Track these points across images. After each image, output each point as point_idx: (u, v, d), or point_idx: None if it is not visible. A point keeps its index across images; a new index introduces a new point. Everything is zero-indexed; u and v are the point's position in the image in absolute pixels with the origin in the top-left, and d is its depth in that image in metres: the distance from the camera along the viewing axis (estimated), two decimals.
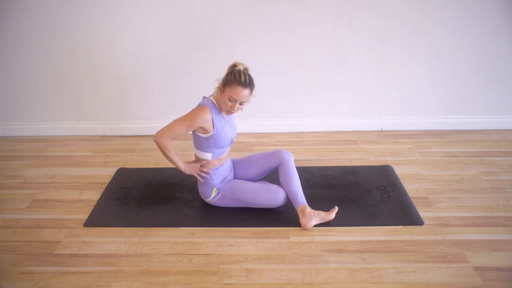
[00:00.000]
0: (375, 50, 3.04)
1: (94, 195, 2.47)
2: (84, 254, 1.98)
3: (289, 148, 2.98)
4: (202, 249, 2.00)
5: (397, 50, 3.03)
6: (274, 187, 2.21)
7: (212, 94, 2.19)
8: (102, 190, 2.51)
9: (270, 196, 2.18)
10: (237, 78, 2.00)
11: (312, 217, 2.11)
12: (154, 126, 3.26)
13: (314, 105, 3.24)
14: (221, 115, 2.14)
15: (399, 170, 2.64)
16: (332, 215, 2.15)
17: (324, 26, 2.97)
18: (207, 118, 2.05)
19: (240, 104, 2.06)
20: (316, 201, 2.33)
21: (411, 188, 2.44)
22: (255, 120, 3.25)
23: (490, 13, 2.89)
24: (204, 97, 2.20)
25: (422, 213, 2.21)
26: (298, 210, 2.14)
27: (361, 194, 2.40)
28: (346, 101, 3.23)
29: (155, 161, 2.87)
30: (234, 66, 2.05)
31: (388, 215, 2.20)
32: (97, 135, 3.33)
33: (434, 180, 2.53)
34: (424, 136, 3.14)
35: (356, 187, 2.47)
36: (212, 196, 2.24)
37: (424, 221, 2.14)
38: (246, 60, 3.04)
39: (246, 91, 2.02)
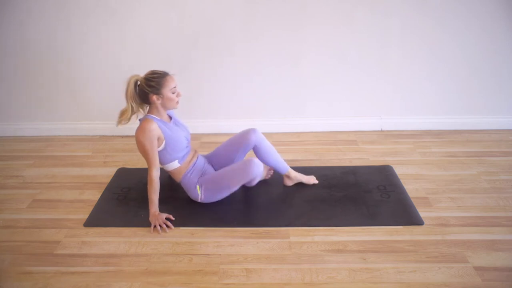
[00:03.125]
0: (375, 50, 3.04)
1: (94, 195, 2.47)
2: (84, 254, 1.98)
3: (289, 148, 2.99)
4: (202, 249, 2.00)
5: (397, 50, 3.03)
6: (247, 161, 2.20)
7: (144, 117, 2.18)
8: (102, 190, 2.51)
9: (248, 168, 2.18)
10: (159, 75, 2.11)
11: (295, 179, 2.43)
12: None
13: (314, 105, 3.24)
14: (164, 122, 2.18)
15: (399, 170, 2.64)
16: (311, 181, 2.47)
17: (324, 26, 2.97)
18: (154, 126, 2.10)
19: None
20: (316, 201, 2.33)
21: (411, 188, 2.44)
22: (255, 120, 3.25)
23: (490, 13, 2.89)
24: (140, 120, 2.20)
25: (422, 213, 2.21)
26: (285, 176, 2.43)
27: (361, 194, 2.40)
28: (346, 101, 3.23)
29: None
30: (137, 79, 2.13)
31: (388, 215, 2.20)
32: (97, 135, 3.33)
33: (434, 180, 2.53)
34: (424, 136, 3.14)
35: (356, 187, 2.47)
36: (199, 193, 2.25)
37: (424, 221, 2.14)
38: (246, 60, 3.08)
39: (174, 77, 2.14)
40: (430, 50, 3.03)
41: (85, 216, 2.27)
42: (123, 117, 2.16)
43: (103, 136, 3.32)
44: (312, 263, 1.89)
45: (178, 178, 2.29)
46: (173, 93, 2.13)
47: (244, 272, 1.85)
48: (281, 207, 2.30)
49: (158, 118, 2.17)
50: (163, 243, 2.04)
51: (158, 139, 2.13)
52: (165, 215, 2.17)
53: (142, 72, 3.10)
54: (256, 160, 2.19)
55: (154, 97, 2.11)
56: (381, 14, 2.93)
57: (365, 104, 3.24)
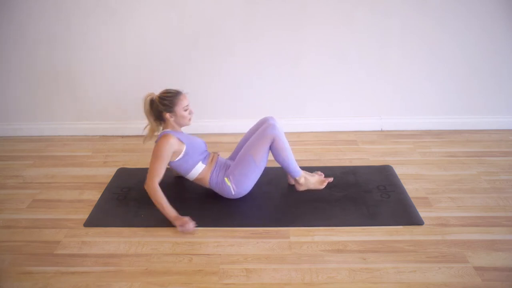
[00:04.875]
0: (375, 50, 3.04)
1: (94, 195, 2.47)
2: (84, 254, 1.98)
3: None
4: (202, 249, 2.00)
5: (397, 50, 3.03)
6: (261, 130, 2.26)
7: (162, 132, 2.24)
8: (102, 190, 2.51)
9: (264, 131, 2.24)
10: (172, 94, 2.22)
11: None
12: None
13: (314, 105, 3.24)
14: (180, 133, 2.25)
15: (399, 170, 2.64)
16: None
17: (324, 26, 2.97)
18: (173, 140, 2.16)
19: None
20: (316, 201, 2.33)
21: (411, 188, 2.44)
22: (256, 120, 3.24)
23: (490, 13, 2.89)
24: (160, 134, 2.23)
25: (422, 213, 2.21)
26: (295, 180, 2.37)
27: (361, 194, 2.40)
28: (346, 101, 3.23)
29: None
30: (152, 98, 2.24)
31: (388, 215, 2.20)
32: (97, 135, 3.33)
33: (434, 180, 2.53)
34: (424, 136, 3.14)
35: (356, 187, 2.47)
36: (230, 186, 2.26)
37: (424, 221, 2.14)
38: (246, 60, 3.08)
39: (186, 96, 2.25)
40: (430, 50, 3.03)
41: (85, 216, 2.27)
42: (147, 134, 2.30)
43: (103, 136, 3.32)
44: (312, 263, 1.89)
45: (206, 181, 2.31)
46: (185, 110, 2.23)
47: (244, 272, 1.85)
48: (281, 207, 2.30)
49: (175, 131, 2.24)
50: (163, 243, 2.04)
51: (175, 152, 2.19)
52: (185, 218, 2.14)
53: (142, 74, 3.14)
54: (270, 119, 2.28)
55: (168, 115, 2.22)
56: (381, 14, 2.93)
57: (365, 104, 3.24)
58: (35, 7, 2.93)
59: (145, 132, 2.32)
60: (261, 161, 2.25)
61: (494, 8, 2.87)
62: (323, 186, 2.38)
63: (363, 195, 2.38)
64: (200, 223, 2.18)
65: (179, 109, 2.21)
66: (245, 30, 2.99)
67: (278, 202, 2.35)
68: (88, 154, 3.02)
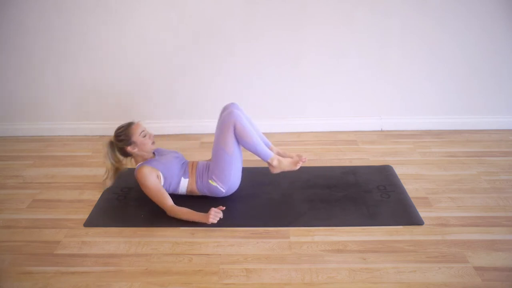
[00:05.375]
0: (375, 50, 3.04)
1: (94, 195, 2.47)
2: (84, 254, 1.98)
3: (289, 148, 2.98)
4: (202, 249, 2.00)
5: (397, 50, 3.03)
6: (221, 120, 2.28)
7: (136, 166, 2.29)
8: (102, 190, 2.51)
9: (224, 118, 2.24)
10: (124, 127, 2.28)
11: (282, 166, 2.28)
12: (154, 126, 3.28)
13: (314, 105, 3.24)
14: (150, 160, 2.29)
15: (399, 170, 2.64)
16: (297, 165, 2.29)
17: (324, 26, 2.97)
18: (149, 169, 2.20)
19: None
20: (316, 201, 2.33)
21: (411, 188, 2.44)
22: (255, 120, 3.23)
23: (490, 13, 2.89)
24: (135, 171, 2.28)
25: (422, 213, 2.21)
26: (268, 163, 2.29)
27: (361, 194, 2.40)
28: (346, 101, 3.23)
29: None
30: (110, 140, 2.30)
31: (388, 215, 2.19)
32: (97, 135, 3.33)
33: (434, 180, 2.53)
34: (424, 136, 3.14)
35: (356, 187, 2.47)
36: (217, 185, 2.27)
37: (424, 221, 2.14)
38: (246, 60, 3.08)
39: (139, 123, 2.31)
40: (430, 50, 3.03)
41: (85, 216, 2.27)
42: (106, 174, 2.34)
43: (103, 136, 3.32)
44: (312, 263, 1.89)
45: (195, 191, 2.34)
46: (144, 136, 2.28)
47: (244, 272, 1.85)
48: (281, 207, 2.30)
49: (146, 161, 2.29)
50: (163, 243, 2.04)
51: (157, 175, 2.23)
52: (211, 210, 2.18)
53: (142, 74, 3.14)
54: (230, 106, 2.33)
55: (129, 148, 2.27)
56: (381, 14, 2.93)
57: (365, 104, 3.24)
58: (35, 7, 2.93)
59: (109, 176, 2.34)
60: (232, 151, 2.23)
61: (494, 8, 2.87)
62: (297, 167, 2.28)
63: (363, 195, 2.38)
64: (201, 223, 2.19)
65: (136, 138, 2.25)
66: (245, 30, 2.99)
67: (278, 202, 2.35)
68: (88, 154, 3.02)
